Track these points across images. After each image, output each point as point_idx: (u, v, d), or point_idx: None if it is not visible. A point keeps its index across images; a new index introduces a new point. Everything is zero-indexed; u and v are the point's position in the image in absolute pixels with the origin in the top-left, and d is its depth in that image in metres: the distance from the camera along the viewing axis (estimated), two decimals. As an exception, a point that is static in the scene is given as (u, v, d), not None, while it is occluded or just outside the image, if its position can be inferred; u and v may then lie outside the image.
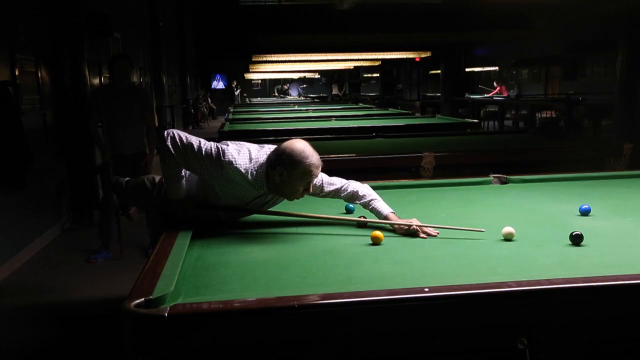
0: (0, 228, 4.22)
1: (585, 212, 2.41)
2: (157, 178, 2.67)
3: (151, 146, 4.83)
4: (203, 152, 2.23)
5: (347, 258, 1.92)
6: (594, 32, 13.35)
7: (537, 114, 13.24)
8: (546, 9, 12.49)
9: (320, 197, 2.50)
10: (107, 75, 4.80)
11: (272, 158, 2.23)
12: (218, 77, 25.45)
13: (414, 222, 2.22)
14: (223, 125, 7.86)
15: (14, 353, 3.15)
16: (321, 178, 2.44)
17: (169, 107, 12.41)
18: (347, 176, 2.57)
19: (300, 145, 2.21)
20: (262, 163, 2.25)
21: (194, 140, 2.28)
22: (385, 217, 2.31)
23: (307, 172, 2.19)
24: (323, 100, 21.87)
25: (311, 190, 2.29)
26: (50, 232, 5.10)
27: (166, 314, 1.38)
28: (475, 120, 8.07)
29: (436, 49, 15.64)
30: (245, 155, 2.26)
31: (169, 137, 2.27)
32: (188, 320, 1.41)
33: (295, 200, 2.33)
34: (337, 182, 2.48)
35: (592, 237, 2.10)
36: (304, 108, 12.30)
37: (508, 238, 2.08)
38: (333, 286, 1.61)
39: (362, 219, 2.34)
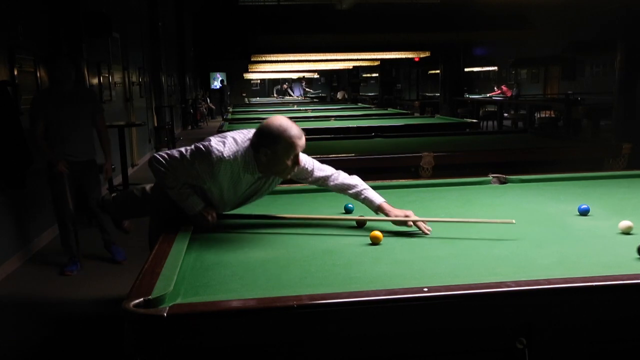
0: (35, 204, 4.28)
1: (584, 212, 2.41)
2: (148, 186, 2.69)
3: (106, 152, 4.49)
4: (189, 157, 2.26)
5: (346, 258, 1.92)
6: (593, 32, 13.35)
7: (536, 114, 13.25)
8: (545, 9, 12.49)
9: (309, 182, 2.53)
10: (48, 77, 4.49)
11: (255, 140, 2.25)
12: (218, 76, 25.44)
13: (410, 215, 2.26)
14: (222, 125, 7.85)
15: (13, 353, 3.15)
16: (312, 163, 2.48)
17: (168, 107, 12.41)
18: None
19: (276, 121, 2.23)
20: (248, 147, 2.27)
21: (175, 151, 2.32)
22: (378, 207, 2.34)
23: (289, 145, 2.20)
24: (322, 100, 21.87)
25: (301, 164, 2.30)
26: (49, 231, 5.09)
27: (165, 314, 1.38)
28: (475, 120, 8.08)
29: (435, 49, 15.65)
30: (231, 144, 2.27)
31: (153, 160, 2.33)
32: (187, 320, 1.41)
33: (297, 203, 2.34)
34: (327, 169, 2.52)
35: (591, 237, 2.11)
36: (303, 108, 12.29)
37: (627, 232, 2.09)
38: (332, 286, 1.61)
39: (362, 218, 2.34)
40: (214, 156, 2.21)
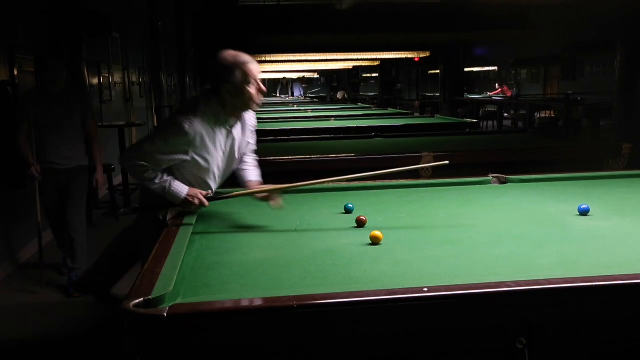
0: (16, 219, 4.26)
1: (584, 212, 2.41)
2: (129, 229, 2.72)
3: (96, 160, 4.13)
4: (161, 138, 2.35)
5: (346, 258, 1.92)
6: (593, 32, 13.36)
7: (536, 114, 13.26)
8: (545, 9, 12.49)
9: (240, 155, 2.64)
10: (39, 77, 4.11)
11: (212, 83, 2.34)
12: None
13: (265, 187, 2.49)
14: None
15: (13, 353, 3.15)
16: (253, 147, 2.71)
17: (168, 107, 12.40)
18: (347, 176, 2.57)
19: (223, 55, 2.32)
20: (208, 100, 2.35)
21: (144, 142, 2.40)
22: (246, 182, 2.58)
23: (245, 70, 2.28)
24: (322, 100, 21.87)
25: (264, 88, 2.39)
26: (49, 231, 5.08)
27: (165, 314, 1.38)
28: (475, 120, 8.08)
29: (435, 49, 15.64)
30: (191, 108, 2.37)
31: (125, 160, 2.40)
32: (187, 321, 1.41)
33: (297, 202, 2.36)
34: (250, 150, 2.71)
35: (591, 237, 2.10)
36: (303, 108, 12.29)
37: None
38: (332, 286, 1.61)
39: (362, 218, 2.34)
40: (185, 123, 2.28)
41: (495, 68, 20.91)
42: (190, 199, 2.37)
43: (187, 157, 2.36)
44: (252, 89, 2.32)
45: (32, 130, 3.82)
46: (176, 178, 2.41)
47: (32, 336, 3.32)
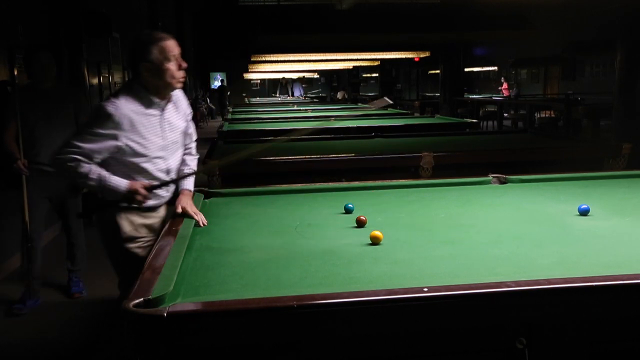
0: (0, 227, 4.22)
1: (584, 212, 2.41)
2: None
3: None
4: (88, 130, 2.26)
5: (346, 258, 1.92)
6: (593, 32, 13.35)
7: (536, 114, 13.25)
8: (545, 9, 12.49)
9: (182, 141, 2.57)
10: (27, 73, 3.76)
11: (131, 64, 2.30)
12: (218, 76, 25.45)
13: (185, 206, 2.39)
14: (222, 125, 7.86)
15: (13, 353, 3.15)
16: (193, 140, 2.65)
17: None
18: (347, 176, 2.57)
19: (137, 35, 2.31)
20: (132, 83, 2.32)
21: (72, 140, 2.27)
22: (180, 191, 2.49)
23: (161, 46, 2.24)
24: (322, 100, 21.88)
25: (184, 64, 2.31)
26: (50, 231, 5.09)
27: (165, 314, 1.38)
28: (475, 120, 8.08)
29: (435, 49, 15.65)
30: (114, 93, 2.35)
31: (58, 163, 2.26)
32: (187, 320, 1.41)
33: (297, 202, 2.34)
34: (192, 149, 2.65)
35: (591, 237, 2.10)
36: (303, 108, 12.30)
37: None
38: (332, 286, 1.61)
39: (362, 218, 2.34)
40: (107, 106, 2.22)
41: (495, 68, 20.92)
42: (133, 189, 2.27)
43: (120, 144, 2.24)
44: (172, 66, 2.26)
45: (19, 128, 3.58)
46: (116, 173, 2.30)
47: (32, 336, 3.32)
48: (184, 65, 2.31)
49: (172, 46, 2.26)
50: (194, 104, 17.85)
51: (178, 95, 2.48)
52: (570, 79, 16.62)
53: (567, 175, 3.29)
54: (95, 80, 6.91)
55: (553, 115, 12.65)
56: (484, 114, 14.97)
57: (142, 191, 2.30)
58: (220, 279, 1.74)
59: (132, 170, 2.33)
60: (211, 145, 4.89)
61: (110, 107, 2.21)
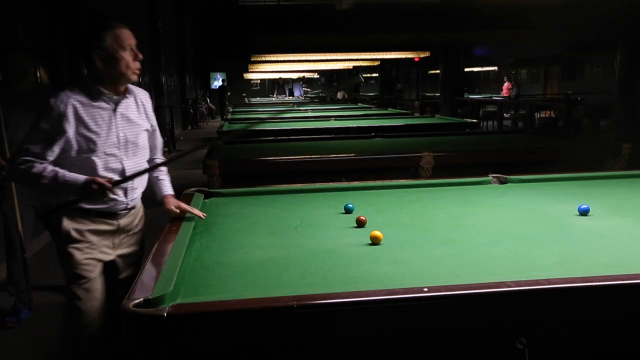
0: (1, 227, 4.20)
1: (584, 212, 2.41)
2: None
3: None
4: (33, 128, 2.13)
5: (346, 258, 1.92)
6: (593, 32, 13.36)
7: (536, 114, 13.26)
8: (545, 9, 12.50)
9: (146, 144, 2.43)
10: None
11: (82, 51, 2.15)
12: (218, 76, 25.45)
13: (179, 204, 2.40)
14: (222, 125, 7.86)
15: (13, 352, 3.15)
16: (159, 146, 2.52)
17: (168, 107, 12.41)
18: (347, 176, 2.57)
19: (88, 21, 2.21)
20: (83, 78, 2.20)
21: (21, 144, 2.17)
22: (164, 197, 2.44)
23: (116, 34, 2.12)
24: (322, 100, 21.88)
25: (140, 55, 2.20)
26: (41, 237, 5.08)
27: (165, 314, 1.38)
28: (475, 120, 8.09)
29: (435, 49, 15.65)
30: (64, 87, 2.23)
31: (10, 172, 2.23)
32: (187, 320, 1.41)
33: (297, 202, 2.34)
34: (158, 152, 2.52)
35: (591, 237, 2.11)
36: (303, 108, 12.30)
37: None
38: (332, 286, 1.61)
39: (362, 218, 2.34)
40: (50, 101, 2.11)
41: (495, 68, 20.93)
42: (92, 186, 2.09)
43: (68, 136, 2.11)
44: (127, 55, 2.14)
45: (3, 133, 3.33)
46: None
47: (31, 336, 3.32)
48: (140, 56, 2.20)
49: (127, 35, 2.16)
50: (194, 104, 17.88)
51: (142, 96, 2.37)
52: (570, 79, 16.64)
53: (567, 175, 3.30)
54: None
55: (553, 115, 12.65)
56: (484, 114, 14.97)
57: (104, 182, 2.10)
58: (220, 279, 1.74)
59: (83, 168, 2.16)
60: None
61: (52, 100, 2.11)
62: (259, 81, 29.66)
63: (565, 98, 12.40)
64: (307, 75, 26.79)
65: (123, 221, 2.34)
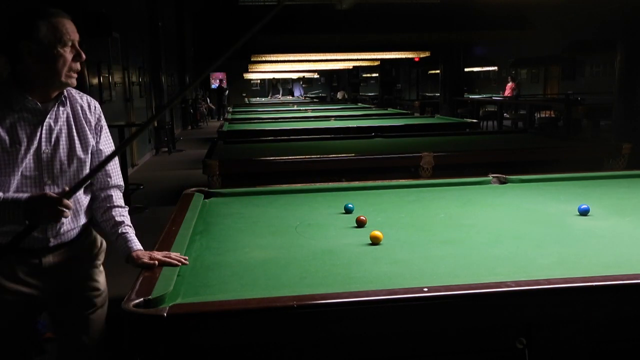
0: None
1: (584, 212, 2.41)
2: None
3: None
4: None
5: (346, 258, 1.92)
6: (593, 32, 13.36)
7: (536, 114, 13.25)
8: (545, 9, 12.49)
9: (95, 192, 1.94)
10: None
11: (7, 42, 1.70)
12: (218, 77, 25.47)
13: (155, 255, 1.79)
14: (222, 125, 7.87)
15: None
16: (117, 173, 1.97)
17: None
18: (347, 176, 2.57)
19: (21, 8, 1.71)
20: (5, 80, 1.73)
21: None
22: (131, 254, 1.83)
23: (54, 24, 1.68)
24: (322, 100, 21.89)
25: (83, 55, 1.80)
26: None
27: (165, 314, 1.38)
28: (475, 120, 8.10)
29: (435, 49, 15.65)
30: None
31: None
32: (187, 320, 1.41)
33: (297, 202, 2.33)
34: (113, 181, 1.95)
35: (591, 237, 2.11)
36: (303, 108, 12.31)
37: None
38: (332, 286, 1.61)
39: (362, 218, 2.34)
40: None
41: (495, 68, 20.92)
42: (39, 203, 1.63)
43: None
44: (67, 52, 1.71)
45: None
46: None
47: (32, 335, 3.31)
48: (83, 57, 1.78)
49: (70, 27, 1.72)
50: (194, 104, 17.88)
51: (87, 106, 1.94)
52: (570, 79, 16.63)
53: (567, 175, 3.30)
54: (95, 81, 6.91)
55: (553, 115, 12.64)
56: (484, 114, 14.96)
57: (52, 195, 1.64)
58: (219, 279, 1.74)
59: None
60: (211, 145, 4.90)
61: None
62: (258, 81, 29.66)
63: (565, 98, 12.39)
64: (307, 75, 26.79)
65: (48, 260, 1.84)
